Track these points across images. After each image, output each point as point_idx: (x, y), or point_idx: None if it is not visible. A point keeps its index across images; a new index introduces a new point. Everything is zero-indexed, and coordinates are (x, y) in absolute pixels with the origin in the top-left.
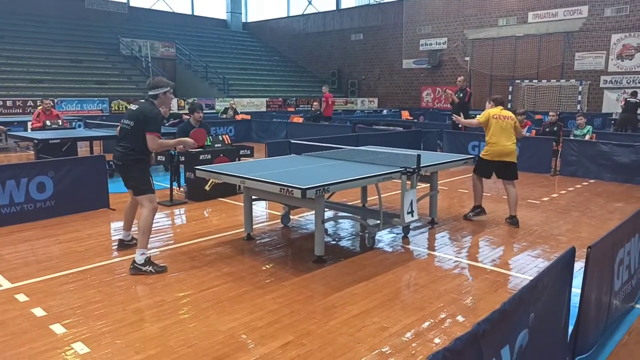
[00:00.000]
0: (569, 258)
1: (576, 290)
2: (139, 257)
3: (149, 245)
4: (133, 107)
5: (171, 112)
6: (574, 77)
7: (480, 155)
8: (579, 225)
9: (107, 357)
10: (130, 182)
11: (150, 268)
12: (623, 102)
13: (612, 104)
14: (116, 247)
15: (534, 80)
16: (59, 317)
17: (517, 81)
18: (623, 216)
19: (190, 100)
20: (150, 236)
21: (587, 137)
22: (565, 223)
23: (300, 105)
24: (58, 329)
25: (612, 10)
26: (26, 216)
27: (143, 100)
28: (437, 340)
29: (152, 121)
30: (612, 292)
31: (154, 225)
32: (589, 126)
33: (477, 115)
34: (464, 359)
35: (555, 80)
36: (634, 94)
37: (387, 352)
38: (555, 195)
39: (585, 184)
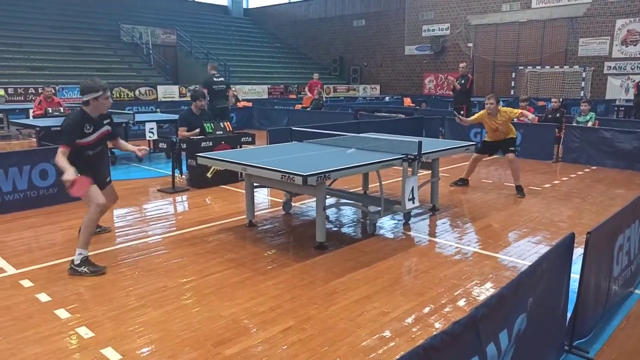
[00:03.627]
0: (568, 243)
1: (575, 275)
2: (76, 256)
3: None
4: None
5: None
6: (577, 63)
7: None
8: (580, 211)
9: (110, 342)
10: None
11: (85, 268)
12: (635, 89)
13: (616, 90)
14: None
15: (538, 67)
16: (63, 302)
17: (520, 67)
18: (624, 202)
19: (191, 88)
20: (153, 222)
21: (589, 124)
22: (567, 209)
23: (302, 93)
24: (62, 313)
25: None
26: (29, 203)
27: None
28: (437, 325)
29: (60, 133)
30: (611, 277)
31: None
32: (592, 113)
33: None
34: (461, 342)
35: (558, 67)
36: None
37: (388, 337)
38: (556, 181)
39: (587, 170)
